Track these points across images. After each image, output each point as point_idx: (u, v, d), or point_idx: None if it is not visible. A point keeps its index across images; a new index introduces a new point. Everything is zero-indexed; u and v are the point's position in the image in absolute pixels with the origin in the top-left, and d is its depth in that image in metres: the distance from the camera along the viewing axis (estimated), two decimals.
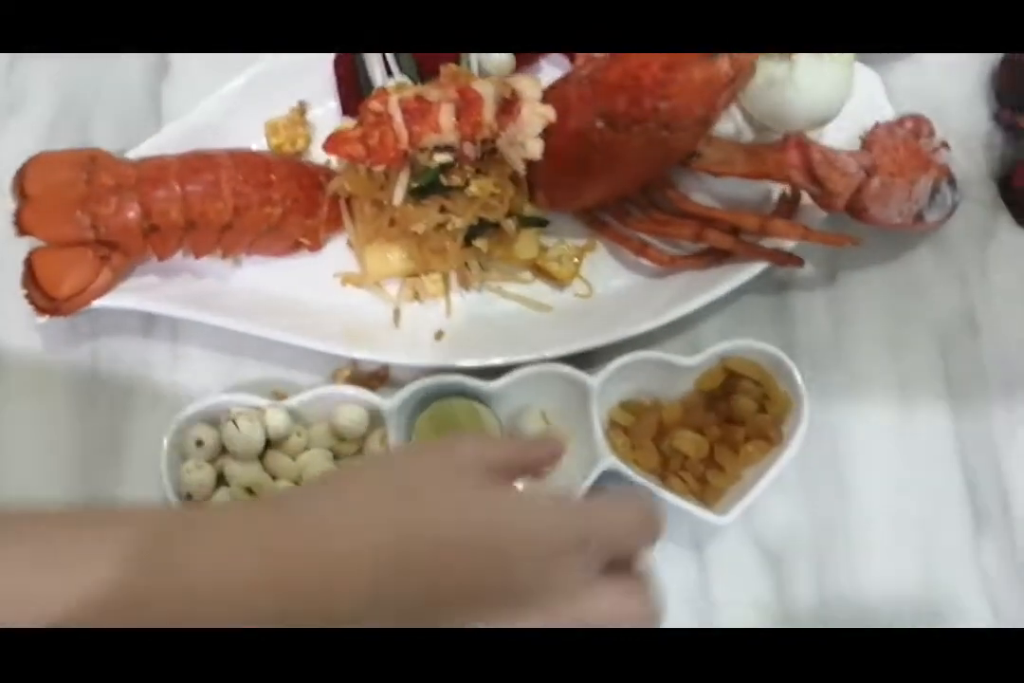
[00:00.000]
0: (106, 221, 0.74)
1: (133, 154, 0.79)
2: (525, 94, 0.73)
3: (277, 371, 0.79)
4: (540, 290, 0.81)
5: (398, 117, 0.73)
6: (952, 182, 0.78)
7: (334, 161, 0.82)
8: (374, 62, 0.83)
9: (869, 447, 0.78)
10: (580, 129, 0.73)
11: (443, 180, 0.75)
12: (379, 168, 0.74)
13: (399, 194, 0.75)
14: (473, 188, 0.75)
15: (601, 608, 0.52)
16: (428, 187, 0.75)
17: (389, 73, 0.83)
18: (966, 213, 0.81)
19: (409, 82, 0.81)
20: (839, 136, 0.79)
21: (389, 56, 0.83)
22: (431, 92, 0.73)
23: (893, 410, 0.79)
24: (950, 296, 0.82)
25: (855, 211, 0.75)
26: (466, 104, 0.73)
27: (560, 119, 0.74)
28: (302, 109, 0.84)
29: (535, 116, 0.73)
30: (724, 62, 0.70)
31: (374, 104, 0.73)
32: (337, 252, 0.81)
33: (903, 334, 0.81)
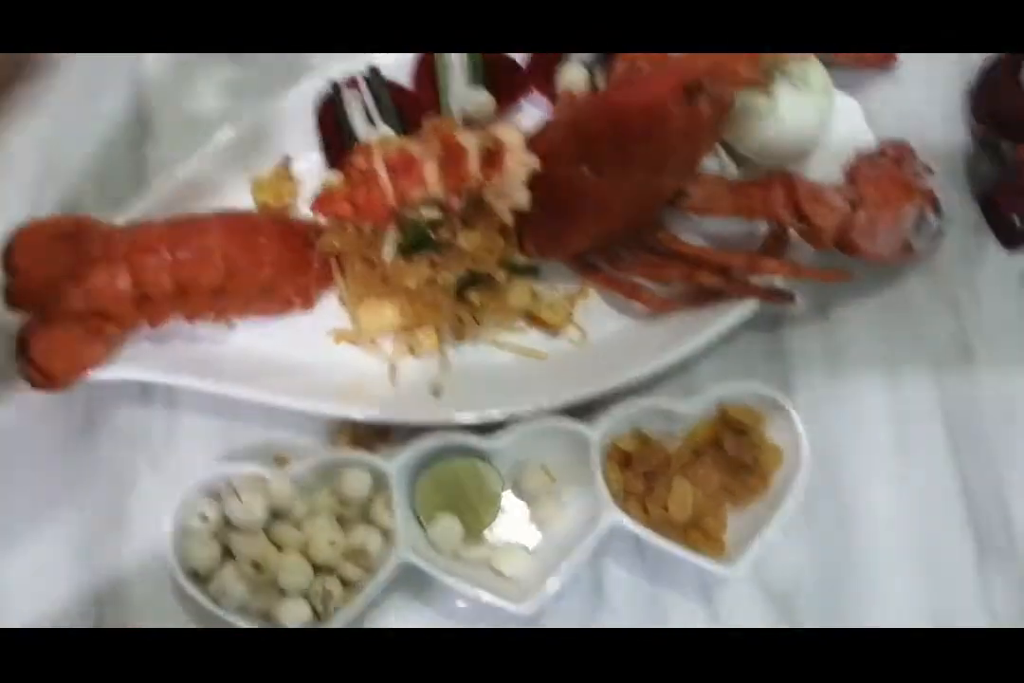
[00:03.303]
0: (97, 293, 0.73)
1: (121, 219, 0.79)
2: (508, 143, 0.74)
3: (277, 432, 0.79)
4: (534, 338, 0.81)
5: (383, 173, 0.73)
6: (937, 208, 0.78)
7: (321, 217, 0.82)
8: (355, 112, 0.83)
9: (869, 481, 0.78)
10: (566, 176, 0.74)
11: (432, 235, 0.75)
12: (368, 226, 0.74)
13: (389, 251, 0.75)
14: (462, 242, 0.75)
15: None
16: (418, 243, 0.75)
17: (371, 122, 0.83)
18: (953, 237, 0.81)
19: (391, 132, 0.81)
20: (822, 166, 0.80)
21: (370, 105, 0.83)
22: (414, 147, 0.73)
23: (891, 442, 0.79)
24: (943, 323, 0.82)
25: (844, 247, 0.75)
26: (450, 157, 0.73)
27: (545, 167, 0.74)
28: (287, 163, 0.84)
29: (519, 165, 0.73)
30: (704, 103, 0.71)
31: (359, 161, 0.73)
32: (329, 309, 0.81)
33: (898, 364, 0.81)
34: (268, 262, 0.76)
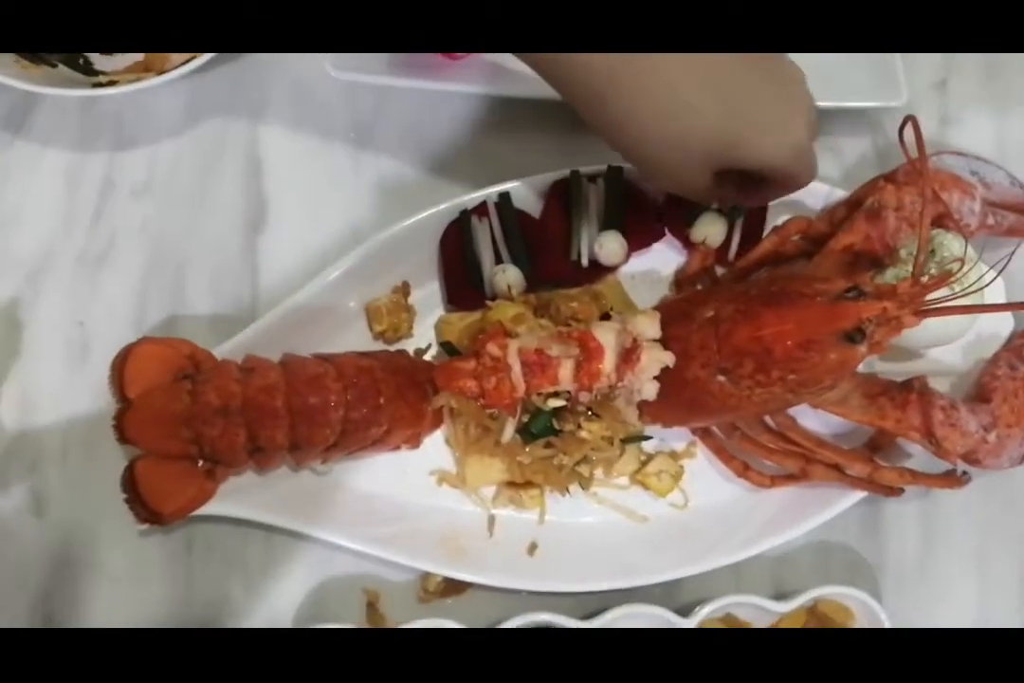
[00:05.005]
0: (211, 442, 0.73)
1: (230, 345, 0.77)
2: (644, 334, 0.71)
3: (369, 565, 0.79)
4: (635, 496, 0.80)
5: (517, 368, 0.70)
6: None
7: (435, 346, 0.81)
8: (482, 243, 0.80)
9: None
10: (699, 378, 0.71)
11: (555, 424, 0.73)
12: (491, 411, 0.73)
13: (508, 434, 0.73)
14: (585, 433, 0.74)
15: None
16: (539, 431, 0.73)
17: (498, 259, 0.79)
18: None
19: (518, 273, 0.78)
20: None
21: (498, 236, 0.80)
22: (552, 347, 0.70)
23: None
24: None
25: (968, 462, 0.74)
26: (587, 356, 0.70)
27: (679, 362, 0.71)
28: (406, 291, 0.81)
29: (654, 362, 0.71)
30: (863, 346, 0.68)
31: (492, 348, 0.71)
32: (434, 446, 0.81)
33: (991, 553, 0.82)
34: (384, 420, 0.75)
